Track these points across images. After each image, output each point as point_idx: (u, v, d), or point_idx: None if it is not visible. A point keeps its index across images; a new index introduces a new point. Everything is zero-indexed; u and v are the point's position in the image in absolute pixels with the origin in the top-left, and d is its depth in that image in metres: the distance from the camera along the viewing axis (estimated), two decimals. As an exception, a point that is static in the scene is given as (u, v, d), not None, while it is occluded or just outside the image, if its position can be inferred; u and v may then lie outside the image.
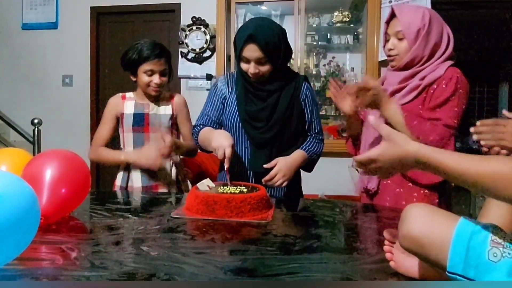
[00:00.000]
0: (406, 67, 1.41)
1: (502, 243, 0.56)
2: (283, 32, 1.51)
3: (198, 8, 3.67)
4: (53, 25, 3.97)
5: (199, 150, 1.73)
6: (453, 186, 1.46)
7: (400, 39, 1.39)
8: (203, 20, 3.66)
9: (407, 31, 1.36)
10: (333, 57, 3.65)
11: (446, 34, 1.40)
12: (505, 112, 1.02)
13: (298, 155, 1.54)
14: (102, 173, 3.88)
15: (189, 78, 3.73)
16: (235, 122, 1.57)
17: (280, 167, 1.46)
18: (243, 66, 1.49)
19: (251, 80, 1.52)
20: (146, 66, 1.69)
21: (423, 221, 0.64)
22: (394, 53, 1.42)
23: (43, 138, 2.89)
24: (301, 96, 1.58)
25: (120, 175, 1.77)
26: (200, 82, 3.71)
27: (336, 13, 3.55)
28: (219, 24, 3.57)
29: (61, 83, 3.99)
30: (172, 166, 1.80)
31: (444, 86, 1.33)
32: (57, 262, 0.86)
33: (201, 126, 1.61)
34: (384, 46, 1.47)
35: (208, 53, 3.68)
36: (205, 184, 1.32)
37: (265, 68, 1.48)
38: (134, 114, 1.74)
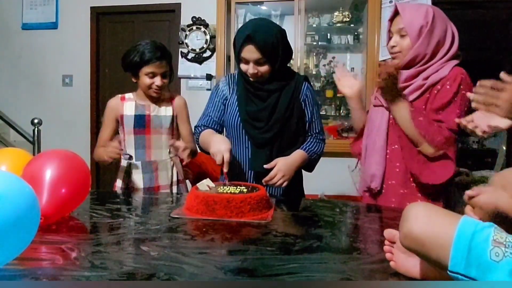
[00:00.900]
0: (408, 66, 1.39)
1: (504, 242, 0.56)
2: (282, 33, 1.51)
3: (198, 8, 3.67)
4: (53, 25, 3.97)
5: (199, 151, 1.73)
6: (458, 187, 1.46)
7: (402, 36, 1.38)
8: (203, 20, 3.66)
9: (409, 28, 1.35)
10: (333, 57, 3.65)
11: (450, 32, 1.38)
12: (503, 74, 0.95)
13: (298, 155, 1.54)
14: (102, 173, 3.88)
15: (189, 78, 3.73)
16: (236, 122, 1.58)
17: (280, 167, 1.46)
18: (243, 66, 1.50)
19: (251, 81, 1.53)
20: (147, 69, 1.68)
21: (425, 220, 0.64)
22: (396, 50, 1.40)
23: (43, 138, 2.89)
24: (301, 96, 1.58)
25: (120, 177, 1.77)
26: (200, 82, 3.71)
27: (336, 13, 3.55)
28: (219, 24, 3.58)
29: (61, 83, 3.99)
30: (172, 166, 1.80)
31: (448, 87, 1.32)
32: (57, 262, 0.86)
33: (203, 127, 1.62)
34: (387, 44, 1.47)
35: (208, 53, 3.68)
36: (205, 184, 1.32)
37: (264, 69, 1.48)
38: (135, 116, 1.74)
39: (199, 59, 3.69)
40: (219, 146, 1.38)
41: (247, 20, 3.56)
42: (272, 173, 1.46)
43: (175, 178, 1.80)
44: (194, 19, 3.67)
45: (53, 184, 1.07)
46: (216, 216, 1.18)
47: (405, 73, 1.40)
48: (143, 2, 3.78)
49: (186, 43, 3.68)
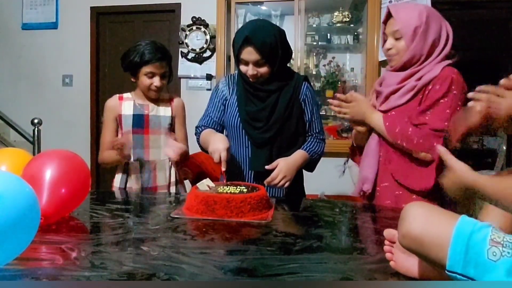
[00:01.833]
0: (405, 67, 1.38)
1: (502, 242, 0.57)
2: (281, 33, 1.51)
3: (198, 8, 3.67)
4: (53, 25, 3.97)
5: (200, 150, 1.73)
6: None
7: (397, 39, 1.37)
8: (203, 20, 3.66)
9: (404, 30, 1.34)
10: (333, 57, 3.64)
11: (445, 31, 1.37)
12: (504, 81, 0.94)
13: (299, 155, 1.54)
14: (102, 173, 3.88)
15: (189, 78, 3.73)
16: (236, 123, 1.58)
17: (281, 168, 1.47)
18: (242, 68, 1.50)
19: (250, 81, 1.53)
20: (147, 69, 1.69)
21: (423, 220, 0.64)
22: (392, 52, 1.40)
23: (43, 138, 2.89)
24: (300, 96, 1.58)
25: (118, 177, 1.77)
26: (200, 82, 3.71)
27: (336, 13, 3.55)
28: (219, 24, 3.57)
29: (61, 83, 3.99)
30: (171, 166, 1.80)
31: (437, 86, 1.31)
32: (57, 262, 0.86)
33: (203, 127, 1.63)
34: (382, 47, 1.46)
35: (208, 53, 3.68)
36: (205, 184, 1.32)
37: (263, 70, 1.48)
38: (134, 115, 1.74)
39: (199, 59, 3.69)
40: (217, 145, 1.40)
41: (247, 20, 3.57)
42: (273, 174, 1.47)
43: (173, 179, 1.80)
44: (194, 19, 3.67)
45: (53, 184, 1.07)
46: (216, 216, 1.18)
47: (399, 75, 1.39)
48: (143, 2, 3.78)
49: (186, 43, 3.68)
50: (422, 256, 0.65)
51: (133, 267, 0.82)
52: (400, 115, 1.36)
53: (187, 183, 1.99)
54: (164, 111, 1.78)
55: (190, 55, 3.70)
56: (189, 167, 2.00)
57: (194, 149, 1.85)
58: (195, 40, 3.68)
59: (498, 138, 4.07)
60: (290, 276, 0.78)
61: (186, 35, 3.68)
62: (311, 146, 1.59)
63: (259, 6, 3.66)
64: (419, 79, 1.35)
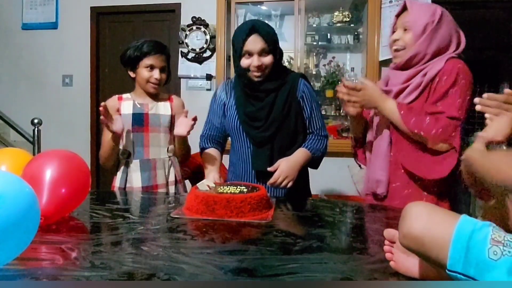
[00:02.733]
0: (408, 65, 1.38)
1: (502, 241, 0.56)
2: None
3: (198, 8, 3.66)
4: (53, 25, 3.97)
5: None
6: (462, 188, 1.44)
7: (406, 30, 1.37)
8: (203, 20, 3.66)
9: (414, 23, 1.34)
10: (333, 57, 3.64)
11: (456, 38, 1.36)
12: (507, 90, 0.97)
13: (300, 154, 1.55)
14: (102, 173, 3.88)
15: (189, 78, 3.73)
16: (236, 124, 1.60)
17: (282, 169, 1.48)
18: (245, 62, 1.51)
19: (248, 82, 1.54)
20: (146, 61, 1.71)
21: (424, 219, 0.64)
22: (399, 43, 1.39)
23: (43, 138, 2.89)
24: (298, 93, 1.59)
25: (118, 176, 1.77)
26: (200, 82, 3.71)
27: (336, 13, 3.55)
28: (219, 24, 3.57)
29: (61, 83, 3.99)
30: (170, 166, 1.80)
31: (445, 77, 1.30)
32: (57, 262, 0.86)
33: (207, 136, 1.70)
34: (390, 37, 1.45)
35: (208, 53, 3.68)
36: (205, 184, 1.32)
37: (267, 60, 1.50)
38: (133, 114, 1.74)
39: (199, 59, 3.69)
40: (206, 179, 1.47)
41: (247, 20, 3.57)
42: (275, 175, 1.47)
43: (172, 178, 1.80)
44: (194, 19, 3.67)
45: (53, 184, 1.07)
46: (216, 216, 1.18)
47: (404, 74, 1.39)
48: (143, 2, 3.78)
49: (186, 43, 3.68)
50: (422, 255, 0.65)
51: (133, 267, 0.82)
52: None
53: (187, 183, 1.99)
54: (164, 110, 1.79)
55: (190, 55, 3.70)
56: (189, 166, 2.01)
57: (194, 149, 1.85)
58: (195, 40, 3.68)
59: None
60: (290, 276, 0.78)
61: (186, 35, 3.68)
62: (312, 144, 1.60)
63: (259, 6, 3.66)
64: (425, 75, 1.34)
